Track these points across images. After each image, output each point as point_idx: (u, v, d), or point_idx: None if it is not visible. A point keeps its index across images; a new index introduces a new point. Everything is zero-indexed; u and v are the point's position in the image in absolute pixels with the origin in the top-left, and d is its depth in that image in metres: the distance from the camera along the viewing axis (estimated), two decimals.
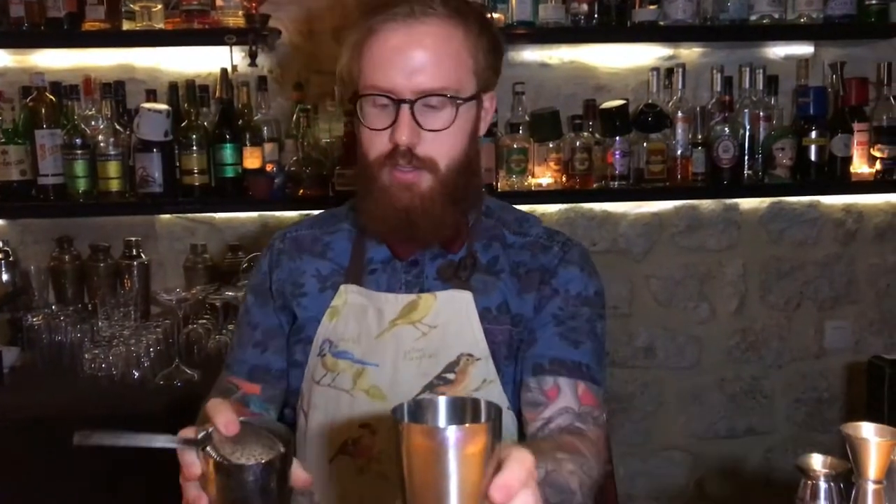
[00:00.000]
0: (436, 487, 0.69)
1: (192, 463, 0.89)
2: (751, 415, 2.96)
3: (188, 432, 0.90)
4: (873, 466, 0.76)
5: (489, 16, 1.33)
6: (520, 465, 0.71)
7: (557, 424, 1.20)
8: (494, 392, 1.23)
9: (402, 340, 1.25)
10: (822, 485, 0.81)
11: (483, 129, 1.30)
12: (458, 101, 1.19)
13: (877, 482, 0.77)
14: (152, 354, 2.28)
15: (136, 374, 2.21)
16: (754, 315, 2.92)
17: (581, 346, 1.24)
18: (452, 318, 1.23)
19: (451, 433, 0.68)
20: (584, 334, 1.25)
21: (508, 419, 1.26)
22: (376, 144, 1.21)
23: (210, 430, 0.89)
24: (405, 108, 1.16)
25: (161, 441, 0.90)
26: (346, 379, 1.25)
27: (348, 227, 1.36)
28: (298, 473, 0.94)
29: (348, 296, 1.29)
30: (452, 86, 1.19)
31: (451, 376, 1.22)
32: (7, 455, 2.04)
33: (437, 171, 1.20)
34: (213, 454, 0.89)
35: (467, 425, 0.71)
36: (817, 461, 0.83)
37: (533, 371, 1.23)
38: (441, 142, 1.20)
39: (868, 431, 0.78)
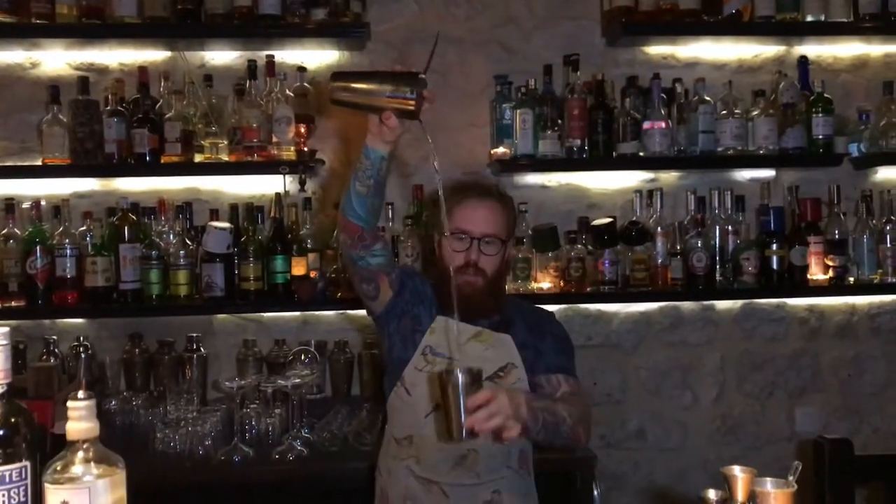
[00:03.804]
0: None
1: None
2: None
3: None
4: (740, 493, 1.21)
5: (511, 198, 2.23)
6: (485, 391, 1.65)
7: (561, 394, 2.06)
8: (523, 385, 2.07)
9: (475, 350, 2.08)
10: None
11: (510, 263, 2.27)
12: (503, 240, 2.10)
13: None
14: (213, 434, 2.70)
15: (201, 451, 2.62)
16: (732, 402, 3.33)
17: (569, 360, 2.15)
18: (502, 345, 2.10)
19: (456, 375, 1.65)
20: (568, 356, 2.17)
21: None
22: (456, 260, 2.05)
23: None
24: (475, 242, 2.06)
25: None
26: (440, 367, 2.05)
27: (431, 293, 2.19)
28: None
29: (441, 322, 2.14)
30: (501, 234, 2.09)
31: (501, 374, 2.08)
32: None
33: (486, 277, 2.08)
34: None
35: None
36: (713, 494, 1.27)
37: (545, 373, 2.09)
38: (490, 262, 2.09)
39: (737, 471, 1.23)
